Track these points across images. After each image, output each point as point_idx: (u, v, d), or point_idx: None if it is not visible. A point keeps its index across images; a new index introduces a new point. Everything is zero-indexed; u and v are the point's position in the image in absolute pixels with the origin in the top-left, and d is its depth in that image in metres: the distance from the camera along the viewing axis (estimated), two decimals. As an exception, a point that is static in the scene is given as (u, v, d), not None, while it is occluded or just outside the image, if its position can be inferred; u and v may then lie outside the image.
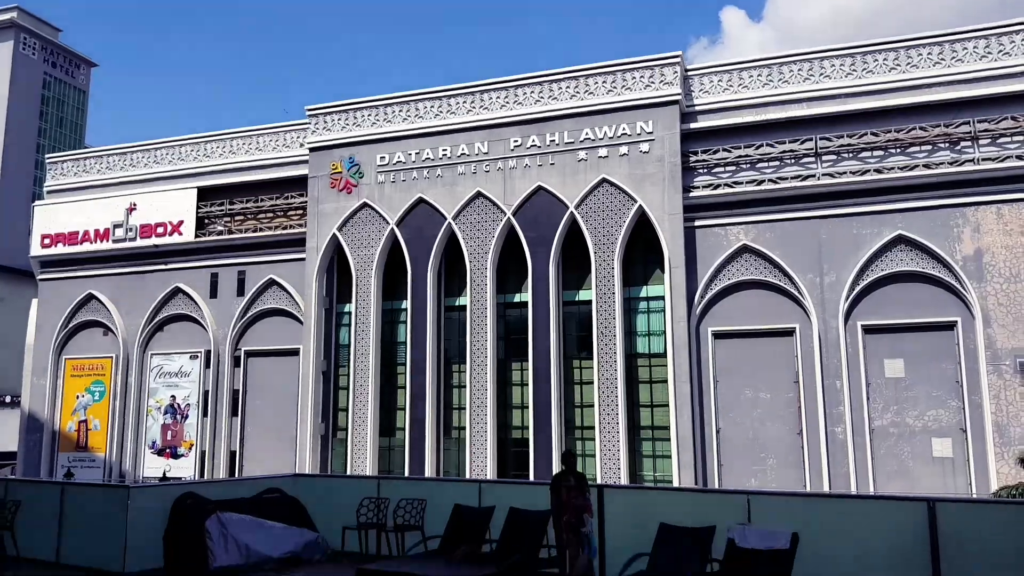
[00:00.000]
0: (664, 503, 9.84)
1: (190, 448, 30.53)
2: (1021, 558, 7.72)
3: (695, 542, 8.67)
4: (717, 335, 23.09)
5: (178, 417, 30.86)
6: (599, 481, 21.18)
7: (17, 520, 12.05)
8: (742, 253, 23.20)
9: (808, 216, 22.65)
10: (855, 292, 21.88)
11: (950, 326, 21.25)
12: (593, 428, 23.57)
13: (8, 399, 45.89)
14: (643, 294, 24.47)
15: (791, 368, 22.31)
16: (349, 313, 27.34)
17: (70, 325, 32.53)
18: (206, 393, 29.93)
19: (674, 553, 8.59)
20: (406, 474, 24.49)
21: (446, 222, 25.85)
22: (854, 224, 22.27)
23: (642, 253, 24.36)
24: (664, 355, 23.28)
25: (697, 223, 23.60)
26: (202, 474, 29.14)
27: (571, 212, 24.31)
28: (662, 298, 23.65)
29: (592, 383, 23.84)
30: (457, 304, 26.44)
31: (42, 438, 32.53)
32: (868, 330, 21.75)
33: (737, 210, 23.39)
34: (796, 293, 22.47)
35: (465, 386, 25.37)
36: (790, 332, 22.50)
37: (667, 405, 22.84)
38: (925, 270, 21.57)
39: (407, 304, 26.40)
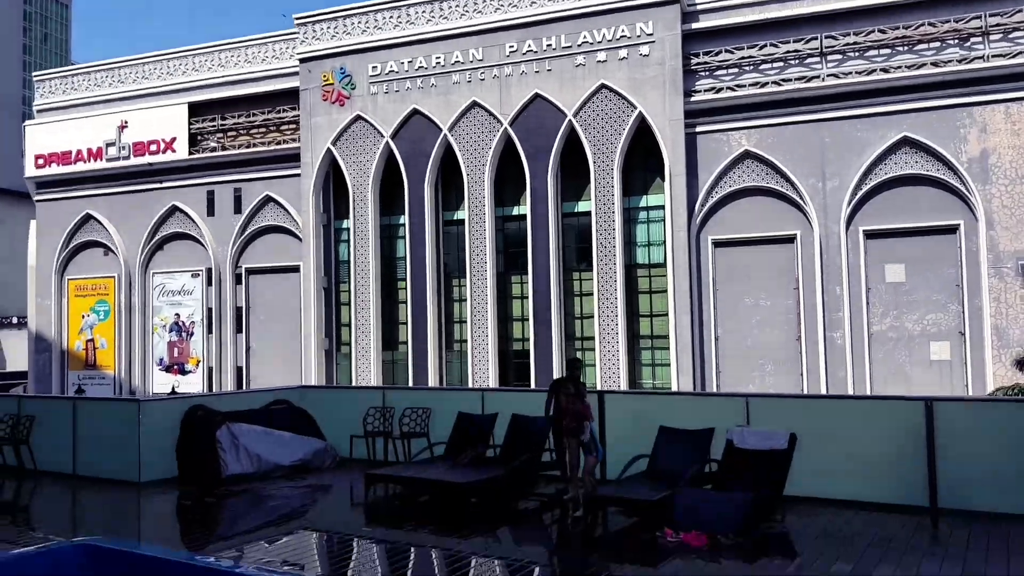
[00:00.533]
0: (664, 407, 10.03)
1: (197, 364, 30.96)
2: (1016, 455, 7.90)
3: (694, 444, 8.86)
4: (717, 243, 23.02)
5: (183, 335, 31.17)
6: (599, 389, 21.54)
7: (32, 435, 12.32)
8: (744, 159, 22.87)
9: (812, 119, 22.20)
10: (857, 197, 21.67)
11: (952, 230, 21.16)
12: (593, 339, 23.82)
13: (15, 320, 46.28)
14: (643, 204, 24.28)
15: (791, 275, 22.36)
16: (347, 229, 27.22)
17: (70, 246, 32.47)
18: (209, 311, 30.14)
19: (673, 454, 8.79)
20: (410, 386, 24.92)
21: (442, 134, 25.40)
22: (858, 127, 21.86)
23: (642, 161, 24.02)
24: (664, 265, 23.29)
25: (698, 129, 23.17)
26: (210, 389, 29.65)
27: (569, 120, 23.83)
28: (662, 207, 23.47)
29: (592, 294, 23.95)
30: (455, 218, 26.28)
31: (51, 357, 32.98)
32: (870, 235, 21.66)
33: (739, 115, 22.90)
34: (798, 199, 22.28)
35: (465, 300, 25.50)
36: (791, 239, 22.43)
37: (666, 314, 23.01)
38: (929, 172, 21.30)
39: (405, 219, 26.24)
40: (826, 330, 21.67)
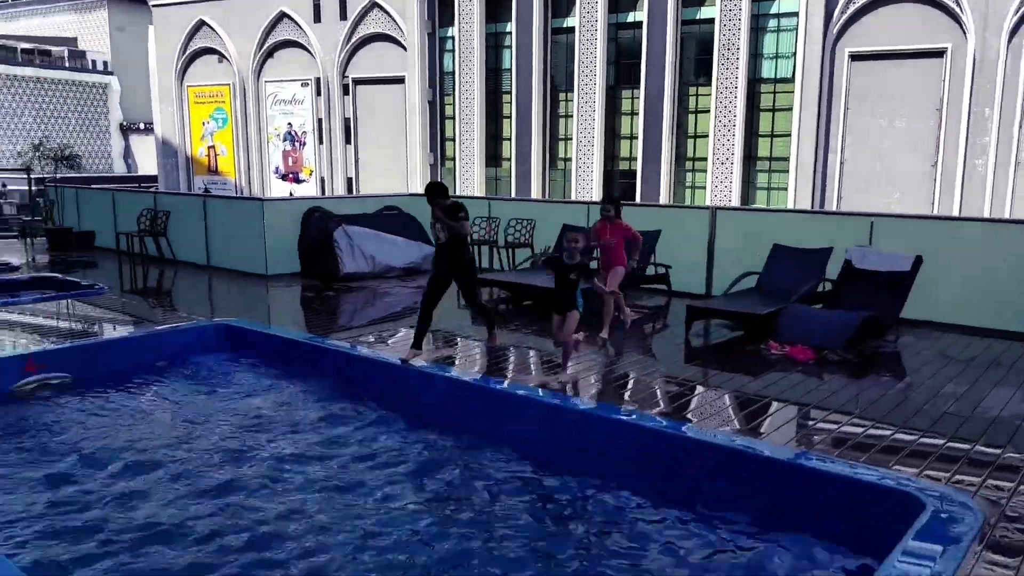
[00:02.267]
0: (779, 226, 9.70)
1: (310, 174, 31.99)
2: None
3: (809, 262, 8.63)
4: (854, 57, 21.01)
5: (296, 144, 32.02)
6: (708, 205, 21.01)
7: (169, 229, 13.27)
8: (893, -41, 20.31)
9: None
10: (1026, 4, 19.04)
11: None
12: (706, 160, 22.94)
13: (142, 126, 48.54)
14: (774, 10, 22.19)
15: (934, 94, 20.40)
16: (453, 38, 26.43)
17: (187, 52, 33.14)
18: (319, 121, 30.65)
19: (785, 272, 8.61)
20: (513, 202, 25.02)
21: (554, -70, 23.60)
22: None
23: (776, -40, 21.75)
24: (791, 80, 21.64)
25: (842, -78, 20.55)
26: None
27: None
28: (795, 14, 21.42)
29: (708, 111, 22.74)
30: (565, 26, 24.96)
31: (177, 162, 34.82)
32: (1034, 51, 19.25)
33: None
34: (954, 6, 19.81)
35: (572, 115, 24.79)
36: (939, 53, 20.20)
37: (789, 135, 21.73)
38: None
39: (511, 27, 25.15)
40: (967, 157, 19.96)
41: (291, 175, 32.60)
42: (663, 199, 22.92)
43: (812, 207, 21.17)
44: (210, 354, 7.75)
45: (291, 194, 31.24)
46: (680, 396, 6.04)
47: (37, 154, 17.41)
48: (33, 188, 19.59)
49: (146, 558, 3.98)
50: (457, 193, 26.42)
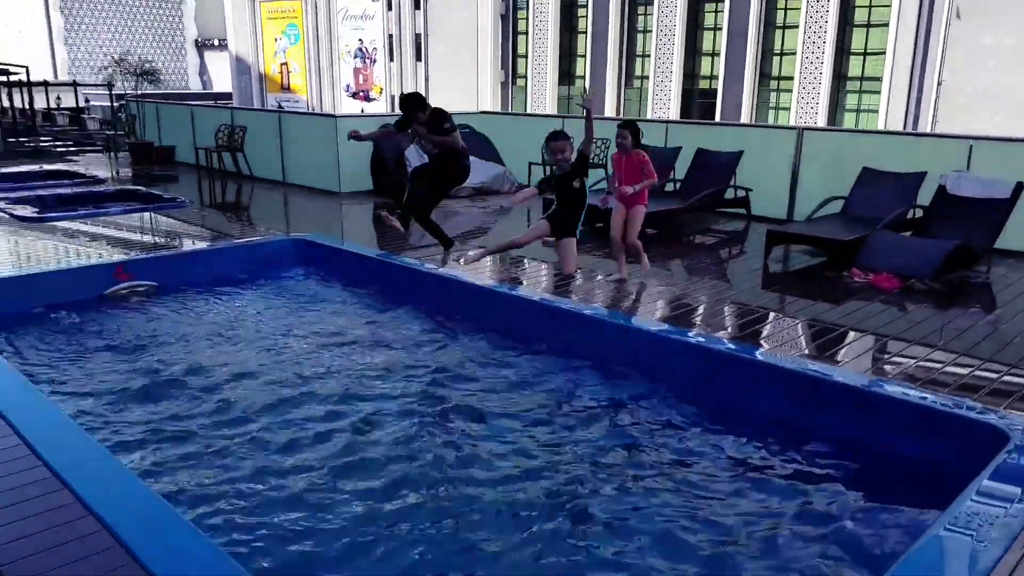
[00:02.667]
0: (869, 148, 9.21)
1: (380, 92, 31.88)
2: None
3: (899, 187, 8.22)
4: (957, -32, 19.50)
5: (367, 61, 31.83)
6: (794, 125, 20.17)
7: (245, 144, 13.47)
8: None
9: None
10: None
11: None
12: (792, 79, 21.84)
13: (216, 42, 48.91)
14: (871, -83, 20.68)
15: (1046, 9, 18.76)
16: (528, -52, 25.52)
17: (259, -34, 32.99)
18: (390, 37, 30.29)
19: (873, 196, 8.23)
20: (586, 122, 24.42)
21: None
22: None
23: None
24: (888, -7, 20.25)
25: None
26: (394, 116, 30.67)
27: None
28: (896, -80, 19.91)
29: (797, 27, 21.53)
30: (647, -65, 23.80)
31: (251, 79, 35.13)
32: None
33: None
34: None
35: (651, 30, 23.82)
36: (1053, -38, 18.54)
37: (883, 53, 20.43)
38: None
39: (590, -65, 24.10)
40: (1085, 77, 18.44)
41: (361, 93, 32.56)
42: (744, 121, 22.07)
43: (905, 130, 20.06)
44: (286, 268, 7.95)
45: (362, 111, 31.26)
46: (753, 323, 5.91)
47: (118, 69, 17.75)
48: (114, 104, 20.09)
49: (230, 458, 4.17)
50: (528, 111, 26.05)
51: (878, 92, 20.76)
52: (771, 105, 22.71)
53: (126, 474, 3.37)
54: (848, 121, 21.75)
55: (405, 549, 3.37)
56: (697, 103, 23.96)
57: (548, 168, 11.78)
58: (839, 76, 21.60)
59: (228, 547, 3.17)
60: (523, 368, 5.49)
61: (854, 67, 21.62)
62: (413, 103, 6.13)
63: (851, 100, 21.83)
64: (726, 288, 7.10)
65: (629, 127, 6.83)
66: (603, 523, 3.60)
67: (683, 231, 9.48)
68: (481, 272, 7.48)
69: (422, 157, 11.40)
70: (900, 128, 20.14)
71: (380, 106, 31.44)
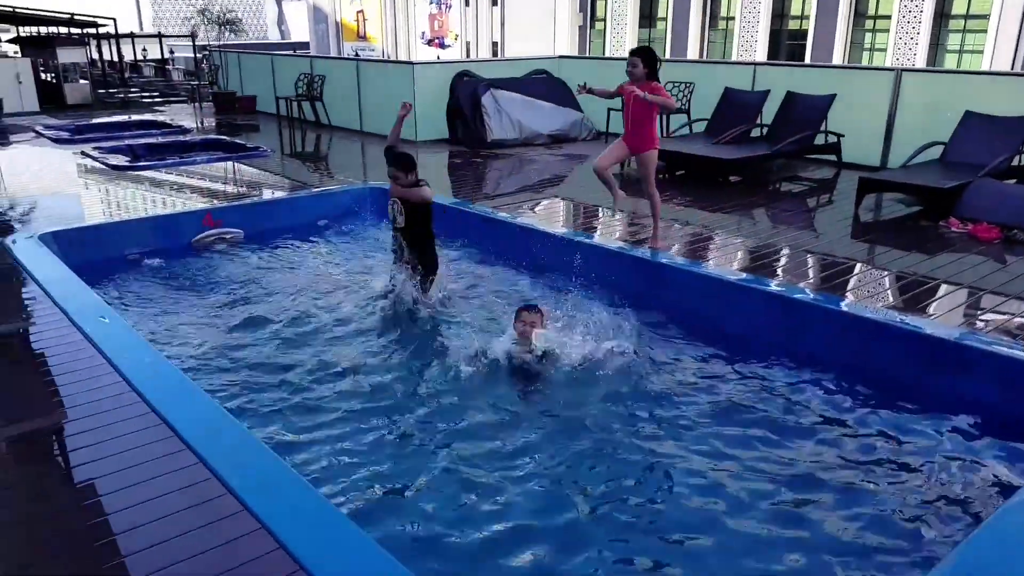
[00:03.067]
0: (973, 91, 8.63)
1: (455, 39, 31.62)
2: None
3: (1005, 132, 7.70)
4: None
5: (442, 7, 31.55)
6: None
7: (324, 93, 13.60)
8: None
9: None
10: None
11: None
12: (889, 18, 20.57)
13: (294, -9, 49.34)
14: None
15: None
16: None
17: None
18: (466, -19, 29.91)
19: (976, 142, 7.74)
20: (667, 66, 23.70)
21: None
22: None
23: None
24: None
25: None
26: (469, 63, 30.44)
27: None
28: None
29: (894, -39, 20.23)
30: None
31: (328, 28, 35.33)
32: None
33: None
34: None
35: (737, -32, 22.79)
36: None
37: (990, -12, 19.02)
38: None
39: None
40: None
41: (436, 40, 32.37)
42: (836, 63, 21.02)
43: (1013, 71, 18.76)
44: (364, 215, 8.06)
45: (438, 58, 31.12)
46: (840, 274, 5.67)
47: (202, 19, 18.13)
48: (197, 54, 20.54)
49: (312, 393, 4.31)
50: (607, 55, 25.43)
51: (984, 31, 19.40)
52: (865, 46, 21.54)
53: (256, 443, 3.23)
54: (949, 62, 20.45)
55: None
56: (785, 45, 22.92)
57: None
58: (941, 14, 20.24)
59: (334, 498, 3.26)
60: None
61: (958, 4, 20.20)
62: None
63: (953, 40, 20.46)
64: (811, 238, 6.84)
65: (641, 53, 5.79)
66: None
67: (769, 178, 9.15)
68: (554, 220, 7.41)
69: (498, 106, 11.33)
70: (1009, 69, 18.81)
71: (455, 52, 31.23)
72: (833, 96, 9.09)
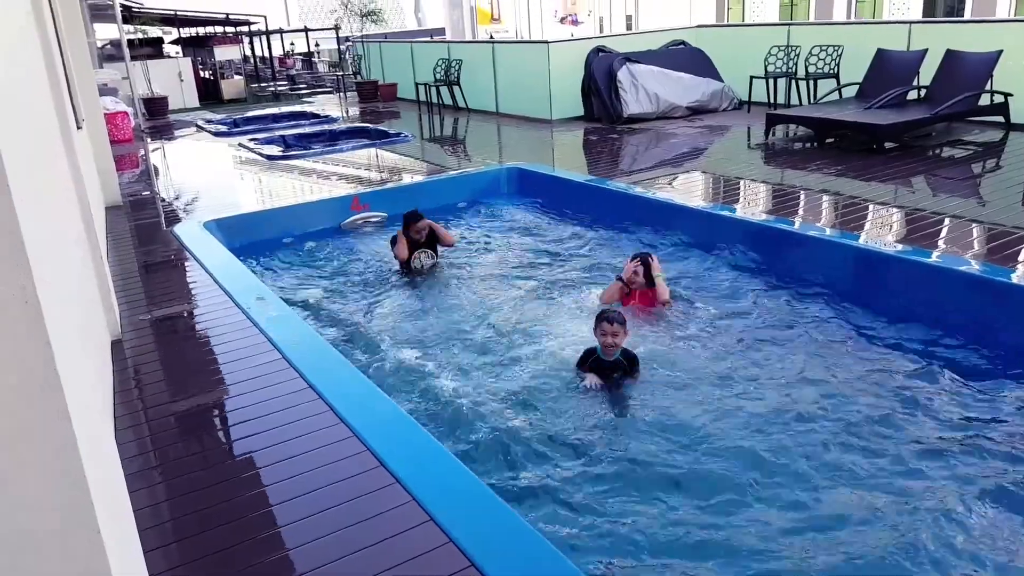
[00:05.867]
0: None
1: (588, 15, 31.31)
2: None
3: None
4: None
5: (575, -17, 31.30)
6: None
7: (461, 77, 13.86)
8: None
9: None
10: None
11: None
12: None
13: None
14: None
15: None
16: None
17: None
18: (599, -44, 29.46)
19: None
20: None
21: None
22: None
23: None
24: None
25: None
26: (602, 39, 30.06)
27: None
28: None
29: None
30: None
31: (463, 13, 35.87)
32: None
33: None
34: None
35: (891, -82, 21.13)
36: None
37: None
38: None
39: None
40: None
41: (569, 17, 32.20)
42: (1000, 16, 19.15)
43: None
44: (502, 195, 8.20)
45: (572, 35, 30.97)
46: (1008, 245, 5.18)
47: (345, 12, 18.90)
48: (340, 46, 21.41)
49: (475, 355, 4.46)
50: (746, 21, 24.37)
51: None
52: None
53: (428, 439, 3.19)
54: None
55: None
56: (943, 3, 21.12)
57: (769, 81, 11.00)
58: None
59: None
60: (744, 293, 5.29)
61: None
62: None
63: None
64: (976, 206, 6.29)
65: (643, 262, 5.16)
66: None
67: (928, 144, 8.49)
68: (694, 194, 7.22)
69: (634, 80, 11.14)
70: None
71: (588, 29, 30.94)
72: (999, 52, 8.28)
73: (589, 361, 4.25)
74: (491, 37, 33.82)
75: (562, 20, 32.82)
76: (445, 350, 4.72)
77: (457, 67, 13.83)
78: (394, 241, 6.13)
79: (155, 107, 15.96)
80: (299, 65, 29.41)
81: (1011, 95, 8.44)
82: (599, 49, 11.74)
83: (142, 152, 11.76)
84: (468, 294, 5.67)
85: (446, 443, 3.37)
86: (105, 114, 9.62)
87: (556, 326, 4.98)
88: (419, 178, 8.85)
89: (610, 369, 4.20)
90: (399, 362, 4.56)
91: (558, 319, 5.09)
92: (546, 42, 12.17)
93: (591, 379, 4.16)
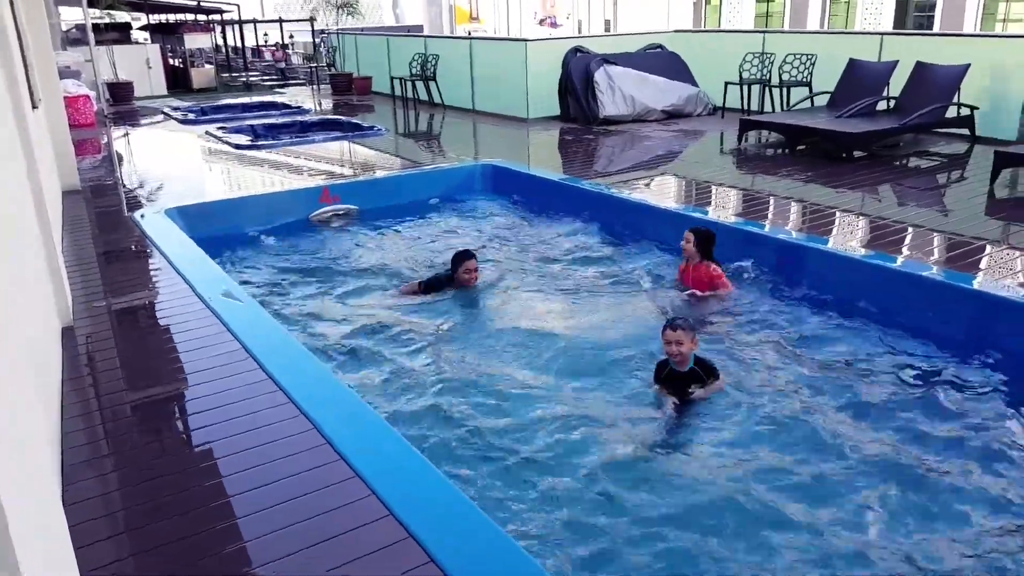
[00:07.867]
0: None
1: (567, 18, 31.37)
2: None
3: None
4: None
5: (553, -14, 31.35)
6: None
7: (437, 73, 13.77)
8: None
9: None
10: None
11: None
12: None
13: (408, -25, 50.05)
14: None
15: None
16: None
17: None
18: (578, -42, 29.54)
19: None
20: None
21: None
22: None
23: None
24: None
25: None
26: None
27: None
28: None
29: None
30: None
31: (440, 11, 35.75)
32: None
33: None
34: None
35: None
36: None
37: None
38: None
39: None
40: None
41: (548, 19, 32.22)
42: (967, 28, 19.57)
43: None
44: (476, 192, 8.14)
45: (550, 35, 30.98)
46: (970, 253, 5.26)
47: (321, 3, 18.69)
48: (315, 38, 21.17)
49: (439, 374, 4.40)
50: (722, 27, 24.58)
51: None
52: (999, 17, 19.95)
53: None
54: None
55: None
56: (912, 16, 21.52)
57: (744, 88, 11.07)
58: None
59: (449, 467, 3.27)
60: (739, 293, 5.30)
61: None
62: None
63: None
64: (939, 216, 6.38)
65: (695, 231, 5.15)
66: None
67: (897, 153, 8.61)
68: (665, 196, 7.24)
69: (611, 82, 11.14)
70: None
71: (567, 31, 31.01)
72: (967, 66, 8.43)
73: (663, 374, 3.92)
74: (469, 34, 33.74)
75: (541, 22, 32.85)
76: (406, 342, 4.68)
77: (434, 62, 13.74)
78: (439, 284, 5.47)
79: (120, 93, 15.63)
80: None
81: (976, 108, 8.59)
82: (577, 49, 11.74)
83: (104, 138, 11.50)
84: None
85: (423, 443, 3.33)
86: (65, 97, 9.40)
87: (541, 313, 4.99)
88: (392, 171, 8.77)
89: (684, 380, 3.84)
90: (361, 353, 4.51)
91: (537, 306, 5.09)
92: (524, 40, 12.15)
93: (663, 396, 3.81)
